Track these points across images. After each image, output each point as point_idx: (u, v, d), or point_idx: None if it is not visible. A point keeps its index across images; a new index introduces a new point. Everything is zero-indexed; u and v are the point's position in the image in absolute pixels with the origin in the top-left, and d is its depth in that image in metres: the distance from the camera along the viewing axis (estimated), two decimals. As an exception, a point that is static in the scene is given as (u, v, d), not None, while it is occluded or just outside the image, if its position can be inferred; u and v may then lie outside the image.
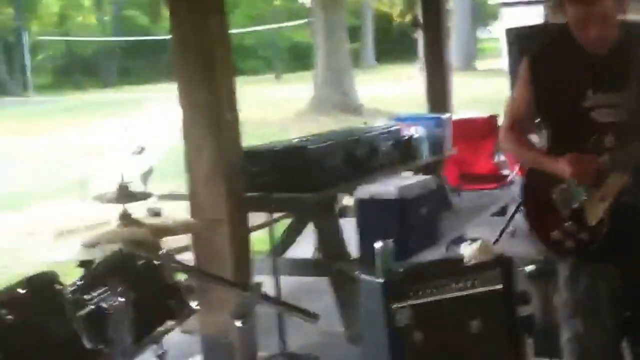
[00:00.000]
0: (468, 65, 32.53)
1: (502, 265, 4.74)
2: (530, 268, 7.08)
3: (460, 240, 5.04)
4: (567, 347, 3.89)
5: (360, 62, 34.79)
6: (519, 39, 7.92)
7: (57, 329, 3.22)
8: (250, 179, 5.91)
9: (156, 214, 4.15)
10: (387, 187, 5.76)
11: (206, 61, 5.75)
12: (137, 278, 3.55)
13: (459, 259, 4.82)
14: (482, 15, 40.32)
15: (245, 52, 40.64)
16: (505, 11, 28.67)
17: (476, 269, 4.70)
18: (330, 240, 6.14)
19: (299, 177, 5.94)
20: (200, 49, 5.75)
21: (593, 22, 3.47)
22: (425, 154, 7.48)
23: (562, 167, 3.58)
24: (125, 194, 3.51)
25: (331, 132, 7.38)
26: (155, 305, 3.67)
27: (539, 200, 3.78)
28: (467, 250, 4.79)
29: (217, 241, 5.82)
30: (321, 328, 6.22)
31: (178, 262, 3.50)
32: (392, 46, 37.00)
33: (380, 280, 4.59)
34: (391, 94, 21.59)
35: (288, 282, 6.97)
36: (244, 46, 40.51)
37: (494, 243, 7.76)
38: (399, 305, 4.53)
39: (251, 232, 6.25)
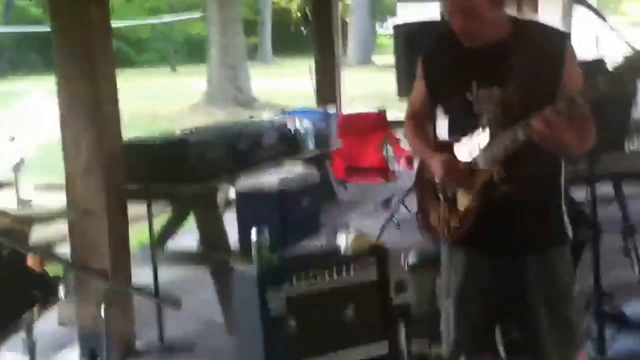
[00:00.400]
0: (366, 60, 32.82)
1: (378, 254, 4.83)
2: (413, 258, 7.25)
3: (341, 230, 5.08)
4: (442, 326, 4.00)
5: (259, 56, 34.83)
6: (406, 35, 8.06)
7: None
8: (130, 171, 5.90)
9: (26, 204, 4.12)
10: (268, 179, 5.79)
11: (86, 52, 5.71)
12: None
13: (335, 249, 4.89)
14: (382, 11, 40.70)
15: (141, 45, 40.34)
16: (401, 7, 28.91)
17: (352, 258, 4.78)
18: (210, 232, 6.16)
19: (177, 169, 5.94)
20: (80, 40, 5.71)
21: (458, 14, 3.56)
22: (310, 147, 7.53)
23: (435, 167, 3.71)
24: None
25: (215, 125, 7.39)
26: (18, 293, 3.64)
27: (425, 187, 3.89)
28: (343, 241, 4.86)
29: (95, 232, 5.81)
30: (202, 318, 6.29)
31: (46, 252, 3.48)
32: (290, 40, 37.09)
33: (255, 270, 4.61)
34: (286, 88, 21.67)
35: (173, 273, 7.02)
36: (140, 39, 40.18)
37: (379, 234, 7.92)
38: (273, 295, 4.57)
39: (134, 223, 6.27)
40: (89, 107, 5.73)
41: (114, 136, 5.84)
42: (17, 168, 4.54)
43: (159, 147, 6.02)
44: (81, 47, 5.72)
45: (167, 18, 35.13)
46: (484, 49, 3.62)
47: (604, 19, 5.46)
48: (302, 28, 11.41)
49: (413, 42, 7.93)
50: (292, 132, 7.23)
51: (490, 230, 3.67)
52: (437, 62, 3.84)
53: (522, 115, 3.44)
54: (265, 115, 7.84)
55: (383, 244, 5.04)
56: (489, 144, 3.60)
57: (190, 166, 5.94)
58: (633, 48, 3.64)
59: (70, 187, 5.85)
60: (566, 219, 3.77)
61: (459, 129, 3.73)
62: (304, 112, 7.90)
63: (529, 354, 3.87)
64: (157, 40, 39.84)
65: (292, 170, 6.17)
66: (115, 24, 37.06)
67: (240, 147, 6.42)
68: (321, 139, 7.69)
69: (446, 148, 3.77)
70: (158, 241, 6.76)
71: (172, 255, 6.73)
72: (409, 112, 4.03)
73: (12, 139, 4.54)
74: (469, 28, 3.59)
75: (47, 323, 5.96)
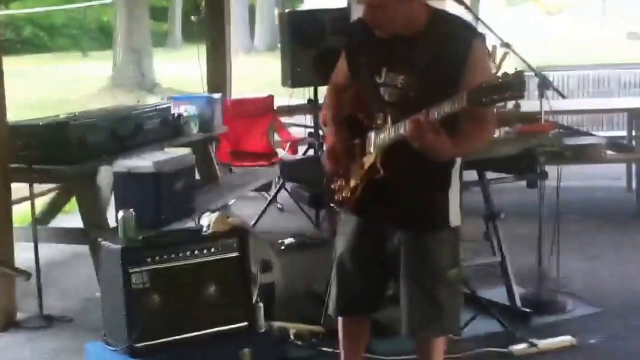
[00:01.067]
0: (273, 47, 32.86)
1: (239, 235, 5.00)
2: (289, 240, 7.45)
3: (206, 212, 5.24)
4: (332, 286, 4.24)
5: (169, 42, 34.63)
6: (292, 23, 8.23)
7: None
8: (15, 152, 5.98)
9: None
10: (144, 161, 5.91)
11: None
12: None
13: (198, 229, 5.05)
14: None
15: (55, 30, 39.80)
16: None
17: (213, 238, 4.94)
18: (89, 210, 6.27)
19: (58, 151, 6.04)
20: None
21: (367, 7, 3.74)
22: (194, 131, 7.67)
23: (328, 142, 4.09)
24: None
25: (99, 110, 7.49)
26: None
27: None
28: (205, 221, 5.02)
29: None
30: (82, 294, 6.42)
31: None
32: (200, 27, 36.88)
33: (119, 246, 4.76)
34: (191, 73, 21.63)
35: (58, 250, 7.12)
36: (54, 24, 39.65)
37: (259, 217, 8.09)
38: (136, 270, 4.72)
39: (16, 203, 6.35)
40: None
41: (-1, 118, 5.92)
42: None
43: (41, 129, 6.10)
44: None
45: (80, 4, 34.70)
46: (397, 36, 3.78)
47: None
48: (192, 16, 11.42)
49: (299, 31, 8.11)
50: (175, 117, 7.35)
51: (374, 205, 3.93)
52: (355, 43, 4.02)
53: (420, 106, 3.57)
54: (153, 100, 7.94)
55: (244, 225, 5.17)
56: (379, 130, 3.82)
57: (70, 148, 6.04)
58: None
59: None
60: (451, 207, 3.93)
61: (368, 109, 3.94)
62: (189, 98, 8.04)
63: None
64: (70, 26, 39.36)
65: (168, 153, 6.26)
66: (29, 10, 36.76)
67: (121, 131, 6.54)
68: (205, 123, 7.82)
69: (353, 119, 4.04)
70: (41, 220, 6.87)
71: (53, 232, 6.82)
72: (330, 85, 4.24)
73: None
74: (378, 20, 3.75)
75: None
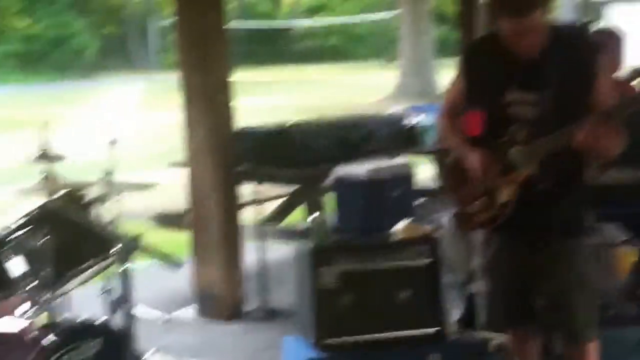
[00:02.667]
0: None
1: (430, 242, 4.99)
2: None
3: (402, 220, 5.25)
4: (481, 303, 4.33)
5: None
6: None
7: None
8: (242, 155, 6.29)
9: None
10: (360, 168, 6.02)
11: (202, 50, 6.15)
12: (60, 224, 3.94)
13: (389, 235, 5.08)
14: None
15: (357, 40, 41.00)
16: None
17: (402, 244, 4.97)
18: (313, 212, 6.47)
19: (282, 155, 6.27)
20: (197, 40, 6.17)
21: (524, 34, 3.67)
22: (429, 141, 7.69)
23: (473, 162, 3.90)
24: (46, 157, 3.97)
25: (328, 117, 7.68)
26: (75, 247, 4.04)
27: (460, 179, 4.02)
28: (397, 228, 5.06)
29: (208, 205, 6.23)
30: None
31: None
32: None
33: (309, 246, 4.89)
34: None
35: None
36: (357, 34, 40.86)
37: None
38: (324, 269, 4.83)
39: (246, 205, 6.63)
40: (204, 98, 6.14)
41: (225, 123, 6.25)
42: (112, 143, 5.00)
43: (267, 134, 6.35)
44: (198, 45, 6.15)
45: (381, 14, 35.56)
46: (530, 57, 3.75)
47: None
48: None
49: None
50: (410, 126, 7.41)
51: (524, 219, 3.86)
52: (478, 62, 3.96)
53: (558, 119, 3.63)
54: (391, 110, 8.05)
55: (435, 234, 5.15)
56: (527, 145, 3.77)
57: (294, 153, 6.23)
58: None
59: (189, 164, 6.31)
60: (589, 214, 3.95)
61: (496, 129, 3.88)
62: (428, 107, 8.05)
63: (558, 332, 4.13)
64: (372, 36, 40.36)
65: (388, 162, 6.32)
66: (333, 19, 37.95)
67: (351, 138, 6.67)
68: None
69: (477, 143, 3.93)
70: (271, 220, 7.14)
71: (278, 231, 7.07)
72: (445, 107, 4.16)
73: (110, 122, 4.99)
74: (531, 45, 3.71)
75: (176, 282, 6.45)
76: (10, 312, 3.85)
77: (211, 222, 6.26)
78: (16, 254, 3.91)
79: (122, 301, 3.59)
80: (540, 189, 3.77)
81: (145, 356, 5.11)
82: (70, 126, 16.87)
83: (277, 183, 6.89)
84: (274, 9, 42.05)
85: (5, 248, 3.85)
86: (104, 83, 31.42)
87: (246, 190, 6.54)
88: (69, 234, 4.00)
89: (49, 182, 3.93)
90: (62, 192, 4.12)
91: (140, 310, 6.15)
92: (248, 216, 6.62)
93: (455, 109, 4.08)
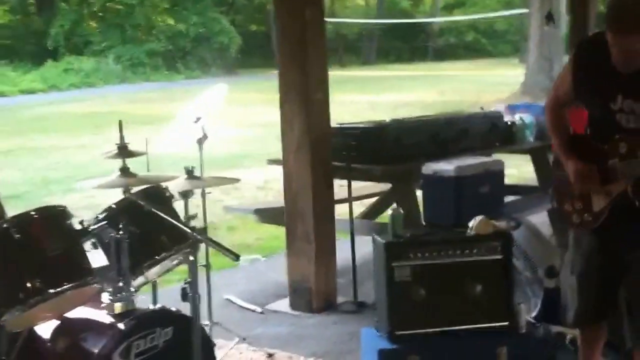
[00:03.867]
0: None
1: (502, 238, 5.03)
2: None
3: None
4: (566, 298, 4.43)
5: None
6: None
7: (60, 248, 3.85)
8: (336, 152, 6.42)
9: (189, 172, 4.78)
10: (449, 165, 6.07)
11: (299, 47, 6.30)
12: (137, 217, 4.16)
13: (463, 230, 5.14)
14: None
15: (496, 36, 40.58)
16: None
17: (475, 239, 5.02)
18: (404, 208, 6.55)
19: (375, 151, 6.38)
20: (295, 36, 6.32)
21: (629, 57, 3.70)
22: (529, 139, 7.67)
23: (570, 171, 3.98)
24: (124, 152, 4.21)
25: (423, 116, 7.73)
26: (150, 240, 4.26)
27: (562, 178, 4.11)
28: (471, 224, 5.11)
29: (303, 200, 6.41)
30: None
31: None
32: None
33: (384, 241, 5.00)
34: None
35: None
36: (495, 31, 40.45)
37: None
38: (399, 264, 4.94)
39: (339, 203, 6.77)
40: (301, 95, 6.31)
41: (322, 120, 6.39)
42: (201, 141, 5.23)
43: (361, 132, 6.47)
44: (296, 42, 6.31)
45: (519, 10, 35.06)
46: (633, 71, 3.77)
47: None
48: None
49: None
50: (508, 124, 7.41)
51: (618, 229, 3.96)
52: (589, 61, 3.96)
53: None
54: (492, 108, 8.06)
55: (508, 229, 5.17)
56: (629, 158, 3.81)
57: (386, 150, 6.33)
58: None
59: (285, 160, 6.48)
60: None
61: (599, 133, 3.95)
62: (526, 106, 8.02)
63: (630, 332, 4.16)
64: (510, 32, 39.89)
65: (478, 159, 6.35)
66: (471, 16, 37.60)
67: (444, 135, 6.73)
68: (543, 131, 7.75)
69: (579, 143, 4.03)
70: (367, 216, 7.27)
71: (368, 226, 7.17)
72: (551, 98, 4.21)
73: (198, 119, 5.21)
74: (625, 64, 3.74)
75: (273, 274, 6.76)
76: (89, 299, 4.09)
77: (305, 217, 6.42)
78: (96, 245, 4.16)
79: (191, 292, 3.75)
80: (634, 205, 3.81)
81: (231, 346, 5.38)
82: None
83: (369, 180, 6.99)
84: (415, 6, 41.99)
85: (86, 239, 4.07)
86: (244, 80, 32.12)
87: (341, 187, 6.65)
88: (146, 227, 4.19)
89: (126, 176, 4.14)
90: (142, 186, 4.33)
91: (236, 302, 6.48)
92: (342, 212, 6.76)
93: (561, 105, 4.14)
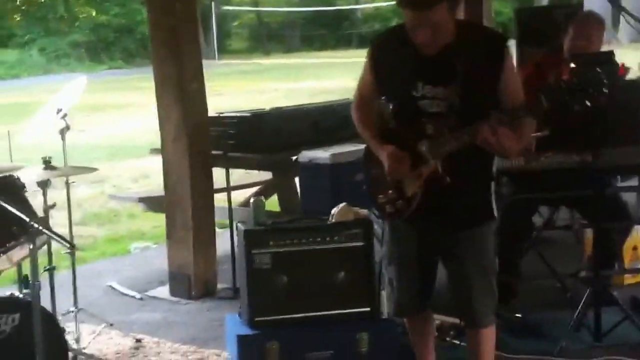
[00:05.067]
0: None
1: (363, 225, 5.07)
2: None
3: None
4: (386, 289, 4.43)
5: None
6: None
7: None
8: (216, 141, 6.43)
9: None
10: (324, 153, 6.10)
11: (172, 40, 6.29)
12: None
13: (325, 219, 5.16)
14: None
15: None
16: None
17: (335, 226, 5.05)
18: (283, 196, 6.61)
19: (252, 140, 6.40)
20: (167, 30, 6.31)
21: (421, 29, 3.69)
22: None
23: (383, 158, 3.97)
24: None
25: (302, 105, 7.76)
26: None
27: (374, 169, 4.14)
28: (333, 211, 5.14)
29: (181, 189, 6.42)
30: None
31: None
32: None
33: (244, 228, 5.02)
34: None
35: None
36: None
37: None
38: (259, 251, 4.96)
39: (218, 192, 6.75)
40: (176, 86, 6.30)
41: (199, 110, 6.39)
42: (63, 132, 5.21)
43: (240, 121, 6.48)
44: (170, 35, 6.30)
45: None
46: (432, 53, 3.79)
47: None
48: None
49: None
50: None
51: (430, 210, 3.95)
52: (386, 55, 3.98)
53: (465, 114, 3.70)
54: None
55: (368, 216, 5.20)
56: (435, 138, 3.83)
57: (265, 139, 6.35)
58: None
59: (164, 150, 6.48)
60: (493, 200, 4.02)
61: (403, 121, 3.95)
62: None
63: (460, 316, 4.35)
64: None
65: (350, 146, 6.38)
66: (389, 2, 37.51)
67: (323, 124, 6.76)
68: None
69: (390, 133, 4.00)
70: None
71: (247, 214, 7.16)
72: (357, 98, 4.20)
73: (60, 110, 5.17)
74: (432, 40, 3.73)
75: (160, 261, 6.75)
76: None
77: (184, 205, 6.42)
78: None
79: (31, 279, 3.73)
80: (445, 182, 3.83)
81: (97, 330, 5.38)
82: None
83: (248, 168, 7.02)
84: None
85: None
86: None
87: (221, 175, 6.66)
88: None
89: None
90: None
91: (117, 288, 6.47)
92: (221, 201, 6.77)
93: (366, 101, 4.14)
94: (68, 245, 3.64)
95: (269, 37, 41.08)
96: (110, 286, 6.80)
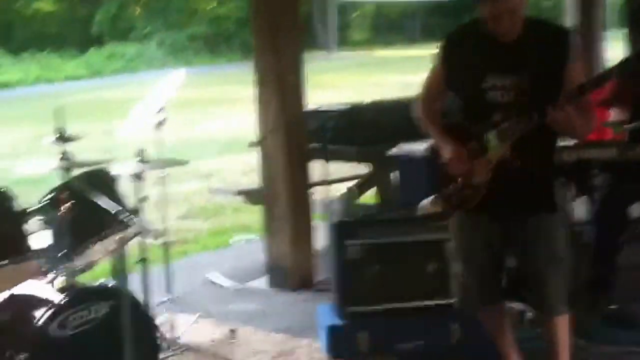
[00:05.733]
0: None
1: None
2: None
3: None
4: (455, 284, 4.49)
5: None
6: None
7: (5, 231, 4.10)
8: (312, 134, 6.57)
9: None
10: (420, 146, 6.15)
11: (272, 32, 6.46)
12: (78, 200, 4.35)
13: (414, 210, 5.24)
14: None
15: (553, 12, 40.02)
16: None
17: (425, 219, 5.11)
18: (382, 188, 6.71)
19: (351, 134, 6.51)
20: (267, 21, 6.48)
21: (504, 16, 3.84)
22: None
23: (444, 152, 4.12)
24: (63, 138, 4.38)
25: (406, 97, 7.76)
26: (90, 221, 4.42)
27: (442, 163, 4.21)
28: (422, 203, 5.21)
29: (278, 180, 6.58)
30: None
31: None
32: None
33: (335, 220, 5.15)
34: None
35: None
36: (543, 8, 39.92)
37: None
38: (350, 242, 5.08)
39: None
40: (275, 78, 6.46)
41: (296, 102, 6.54)
42: (160, 125, 5.42)
43: (338, 114, 6.60)
44: (269, 28, 6.47)
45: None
46: (497, 42, 3.94)
47: None
48: None
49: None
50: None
51: (498, 198, 4.04)
52: (457, 50, 4.13)
53: (533, 100, 3.82)
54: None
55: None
56: (503, 126, 3.94)
57: (361, 131, 6.46)
58: None
59: (262, 143, 6.66)
60: (555, 189, 4.10)
61: (472, 112, 4.08)
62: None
63: (532, 306, 4.36)
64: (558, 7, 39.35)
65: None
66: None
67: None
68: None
69: (457, 129, 4.15)
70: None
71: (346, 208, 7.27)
72: (423, 94, 4.32)
73: (157, 105, 5.39)
74: (513, 26, 3.89)
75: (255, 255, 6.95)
76: (32, 276, 4.33)
77: (281, 198, 6.59)
78: (40, 225, 4.37)
79: (120, 269, 3.93)
80: (512, 169, 3.93)
81: (193, 320, 5.59)
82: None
83: (346, 160, 7.12)
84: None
85: (26, 220, 4.28)
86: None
87: (320, 169, 6.78)
88: (87, 208, 4.36)
89: (66, 161, 4.33)
90: (84, 170, 4.51)
91: (216, 279, 6.69)
92: (321, 193, 6.92)
93: (432, 96, 4.26)
94: (153, 236, 3.82)
95: (388, 29, 41.04)
96: (209, 278, 6.99)
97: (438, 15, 40.62)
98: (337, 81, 21.46)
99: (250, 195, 7.40)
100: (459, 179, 4.13)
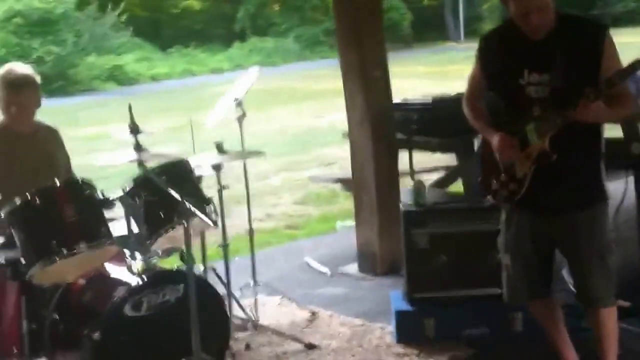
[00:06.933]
0: None
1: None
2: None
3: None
4: (503, 277, 4.37)
5: None
6: None
7: (76, 215, 4.23)
8: (400, 125, 6.57)
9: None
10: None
11: (354, 28, 6.49)
12: (153, 190, 4.48)
13: (479, 200, 5.20)
14: None
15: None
16: None
17: (493, 209, 5.06)
18: (466, 179, 6.66)
19: (431, 125, 6.49)
20: (349, 17, 6.51)
21: (535, 12, 3.84)
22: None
23: (493, 142, 4.11)
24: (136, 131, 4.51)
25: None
26: (166, 209, 4.53)
27: (487, 158, 4.23)
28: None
29: (366, 170, 6.62)
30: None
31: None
32: None
33: (403, 209, 5.17)
34: None
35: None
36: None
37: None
38: (417, 231, 5.10)
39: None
40: (360, 73, 6.50)
41: (382, 96, 6.57)
42: (240, 119, 5.53)
43: (421, 107, 6.58)
44: (353, 24, 6.49)
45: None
46: (536, 40, 3.94)
47: None
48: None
49: None
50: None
51: (542, 192, 4.04)
52: (494, 50, 4.14)
53: (568, 95, 3.78)
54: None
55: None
56: (541, 120, 3.93)
57: (443, 123, 6.42)
58: None
59: (351, 134, 6.72)
60: (604, 180, 4.04)
61: (512, 109, 4.08)
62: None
63: (579, 298, 4.21)
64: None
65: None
66: None
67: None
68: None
69: (499, 123, 4.15)
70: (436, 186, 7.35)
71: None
72: (467, 92, 4.36)
73: (236, 99, 5.50)
74: (542, 22, 3.89)
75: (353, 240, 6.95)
76: (111, 259, 4.51)
77: (369, 187, 6.63)
78: (121, 213, 4.54)
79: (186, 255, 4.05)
80: (553, 162, 3.90)
81: (276, 302, 5.69)
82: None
83: (429, 150, 7.07)
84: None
85: (107, 207, 4.46)
86: (415, 54, 32.26)
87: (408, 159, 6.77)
88: (162, 199, 4.46)
89: (142, 153, 4.47)
90: (160, 162, 4.65)
91: (312, 264, 6.79)
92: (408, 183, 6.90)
93: (476, 95, 4.28)
94: (211, 224, 3.92)
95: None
96: (307, 262, 7.09)
97: (567, 5, 39.57)
98: (464, 72, 21.13)
99: (346, 183, 7.45)
100: (503, 175, 4.09)
